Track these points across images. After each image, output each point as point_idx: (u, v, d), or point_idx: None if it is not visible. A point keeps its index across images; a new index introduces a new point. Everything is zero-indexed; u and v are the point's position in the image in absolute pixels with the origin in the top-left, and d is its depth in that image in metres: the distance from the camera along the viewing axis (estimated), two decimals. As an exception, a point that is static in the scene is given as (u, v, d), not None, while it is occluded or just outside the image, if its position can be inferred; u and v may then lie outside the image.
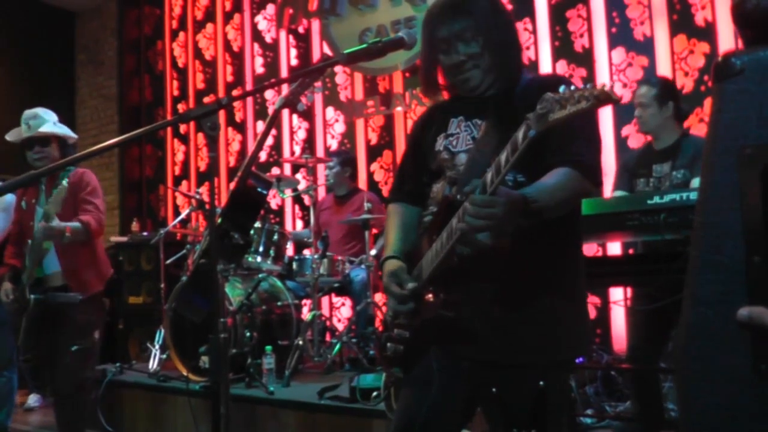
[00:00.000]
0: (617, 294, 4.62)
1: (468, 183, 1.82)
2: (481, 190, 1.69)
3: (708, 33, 5.17)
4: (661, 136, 3.91)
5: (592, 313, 5.44)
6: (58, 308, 3.92)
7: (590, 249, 5.23)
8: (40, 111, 4.19)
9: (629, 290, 4.08)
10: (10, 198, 4.85)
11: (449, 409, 2.02)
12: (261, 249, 5.39)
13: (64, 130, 4.18)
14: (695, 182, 3.66)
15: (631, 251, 4.62)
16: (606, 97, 1.48)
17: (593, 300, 5.25)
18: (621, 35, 5.61)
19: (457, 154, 2.05)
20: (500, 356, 1.93)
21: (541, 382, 1.92)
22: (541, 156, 1.83)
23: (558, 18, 5.95)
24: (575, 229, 2.09)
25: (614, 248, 5.18)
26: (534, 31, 6.03)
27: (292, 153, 7.64)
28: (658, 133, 3.93)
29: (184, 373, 4.97)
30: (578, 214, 2.09)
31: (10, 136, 4.16)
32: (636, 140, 5.24)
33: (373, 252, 5.60)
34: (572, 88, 1.52)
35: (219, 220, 1.98)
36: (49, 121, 4.11)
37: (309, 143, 7.52)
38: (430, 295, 1.95)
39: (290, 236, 5.86)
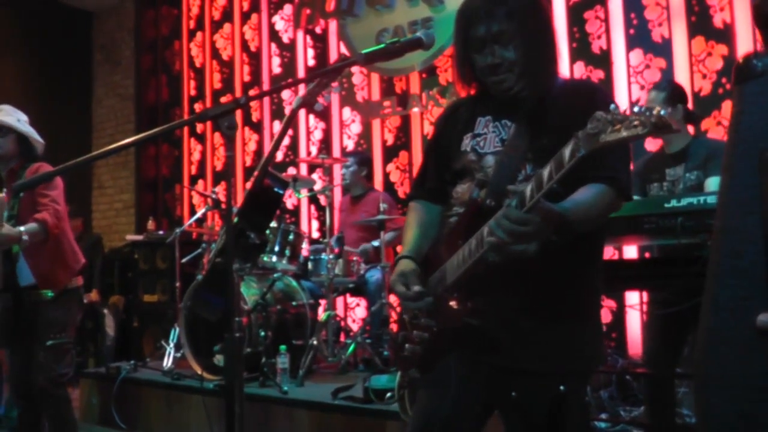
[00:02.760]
0: (633, 298, 4.60)
1: (497, 188, 1.80)
2: (519, 203, 1.67)
3: (726, 35, 5.13)
4: (673, 140, 3.88)
5: (608, 317, 5.42)
6: (30, 307, 3.88)
7: (606, 252, 5.20)
8: (7, 107, 4.17)
9: (645, 294, 4.06)
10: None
11: (467, 412, 2.00)
12: (276, 248, 5.38)
13: (26, 129, 4.10)
14: (709, 182, 3.65)
15: (647, 255, 4.59)
16: (664, 126, 1.41)
17: (609, 304, 5.22)
18: (639, 37, 5.58)
19: (485, 156, 2.01)
20: (521, 363, 1.92)
21: (562, 387, 1.90)
22: (586, 163, 1.81)
23: (576, 19, 5.92)
24: (599, 243, 2.09)
25: (630, 252, 5.15)
26: (551, 33, 6.00)
27: (309, 153, 7.64)
28: (669, 137, 3.90)
29: (199, 372, 4.98)
30: (604, 228, 2.08)
31: None
32: (653, 145, 5.21)
33: (386, 237, 5.61)
34: (624, 109, 1.46)
35: (235, 220, 1.98)
36: (12, 116, 4.07)
37: (325, 143, 7.52)
38: (454, 302, 1.92)
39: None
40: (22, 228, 3.74)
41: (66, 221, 4.04)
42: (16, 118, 4.09)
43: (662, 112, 1.39)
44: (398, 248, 6.15)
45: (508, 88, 2.00)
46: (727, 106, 5.08)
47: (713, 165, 3.69)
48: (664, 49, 5.45)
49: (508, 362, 1.93)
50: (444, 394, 1.99)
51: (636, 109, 1.44)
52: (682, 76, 5.29)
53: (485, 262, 1.79)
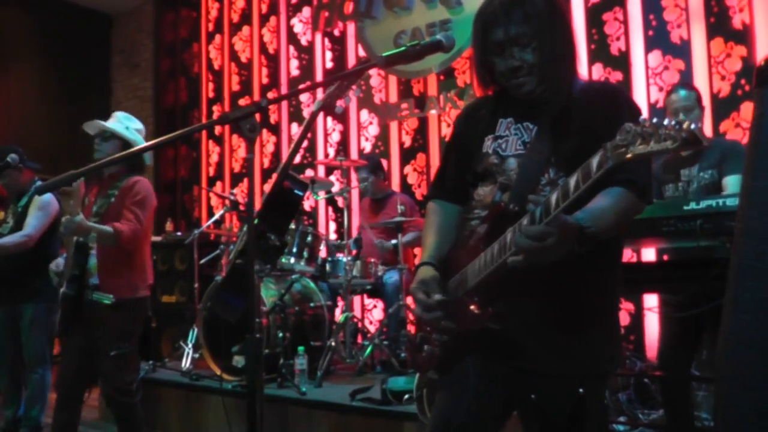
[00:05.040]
0: (651, 300, 4.58)
1: (520, 192, 1.80)
2: (543, 212, 1.66)
3: (745, 36, 5.11)
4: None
5: (626, 320, 5.40)
6: (92, 307, 3.89)
7: (625, 255, 5.18)
8: (121, 114, 4.21)
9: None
10: (47, 197, 4.93)
11: (486, 413, 2.01)
12: (295, 250, 5.40)
13: (132, 136, 4.09)
14: (728, 181, 3.64)
15: (665, 257, 4.57)
16: (695, 141, 1.38)
17: (627, 306, 5.21)
18: (658, 38, 5.56)
19: (507, 159, 2.00)
20: (541, 366, 1.92)
21: (581, 390, 1.91)
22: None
23: (594, 21, 5.91)
24: (619, 247, 2.09)
25: (649, 254, 5.13)
26: (570, 34, 5.99)
27: (326, 155, 7.66)
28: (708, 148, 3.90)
29: (217, 373, 5.00)
30: (623, 236, 2.08)
31: (85, 127, 4.16)
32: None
33: (406, 238, 5.63)
34: (655, 122, 1.43)
35: (256, 221, 1.99)
36: (122, 124, 4.10)
37: (343, 145, 7.54)
38: (474, 306, 1.92)
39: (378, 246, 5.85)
40: (95, 224, 3.79)
41: (145, 241, 4.09)
42: (125, 125, 4.11)
43: (693, 126, 1.37)
44: (416, 249, 6.20)
45: (529, 91, 1.99)
46: (745, 107, 5.05)
47: (730, 164, 3.68)
48: (683, 51, 5.43)
49: (528, 365, 1.94)
50: (463, 396, 1.99)
51: (666, 122, 1.41)
52: (700, 77, 5.27)
53: (506, 267, 1.78)
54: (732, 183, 3.62)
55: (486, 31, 1.99)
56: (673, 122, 1.40)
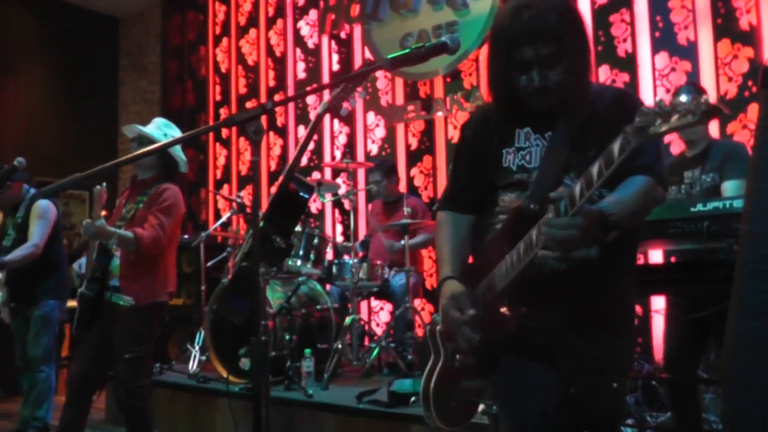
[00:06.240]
0: (659, 302, 4.56)
1: (539, 191, 1.81)
2: (569, 203, 1.66)
3: (752, 37, 5.10)
4: (698, 143, 3.88)
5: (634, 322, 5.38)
6: (111, 308, 3.90)
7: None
8: (160, 120, 4.22)
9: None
10: (45, 204, 4.98)
11: (555, 409, 1.95)
12: (301, 253, 5.41)
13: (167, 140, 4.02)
14: (726, 186, 3.65)
15: (673, 259, 4.56)
16: (715, 111, 1.39)
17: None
18: (664, 40, 5.55)
19: (533, 171, 1.99)
20: (578, 362, 1.92)
21: (615, 384, 1.94)
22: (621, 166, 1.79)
23: (601, 22, 5.90)
24: (636, 248, 2.11)
25: (656, 256, 5.11)
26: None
27: (333, 157, 7.67)
28: (698, 140, 3.89)
29: (224, 375, 5.01)
30: (638, 230, 2.09)
31: (125, 130, 4.19)
32: (678, 147, 5.18)
33: (416, 240, 5.65)
34: (672, 100, 1.45)
35: (261, 224, 1.99)
36: (161, 130, 4.09)
37: (349, 148, 7.55)
38: (505, 308, 1.91)
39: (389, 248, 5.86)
40: (115, 229, 3.80)
41: (170, 248, 4.10)
42: (163, 132, 4.10)
43: (710, 99, 1.39)
44: (424, 251, 6.19)
45: (549, 107, 1.98)
46: (752, 109, 5.04)
47: (730, 168, 3.68)
48: (689, 52, 5.42)
49: (574, 363, 1.93)
50: (529, 394, 1.97)
51: (683, 98, 1.44)
52: (707, 78, 5.26)
53: (535, 266, 1.78)
54: (730, 188, 3.62)
55: (511, 47, 1.94)
56: (690, 98, 1.42)
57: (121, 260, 3.93)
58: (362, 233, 6.67)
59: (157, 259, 3.99)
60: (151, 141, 4.03)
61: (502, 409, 2.12)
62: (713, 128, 5.19)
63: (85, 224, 3.77)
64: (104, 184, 3.82)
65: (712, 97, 5.26)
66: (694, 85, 4.09)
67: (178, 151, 4.14)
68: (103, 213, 3.80)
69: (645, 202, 1.87)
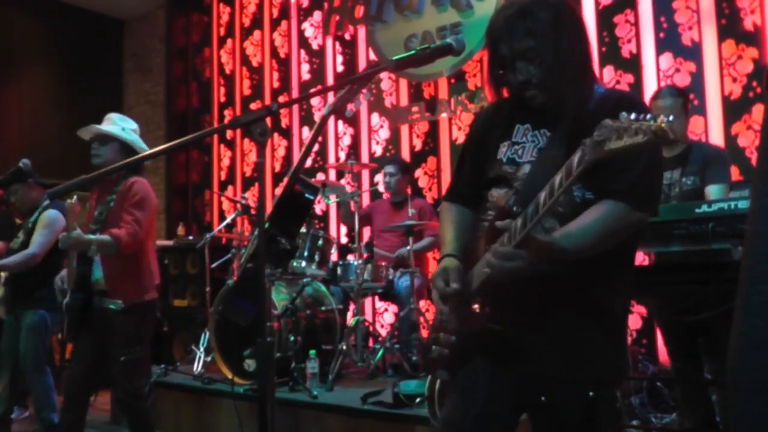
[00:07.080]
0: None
1: (527, 195, 1.81)
2: (533, 211, 1.68)
3: (757, 38, 5.10)
4: (678, 144, 3.87)
5: (638, 323, 5.38)
6: (100, 313, 3.90)
7: (637, 258, 5.15)
8: (115, 115, 4.19)
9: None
10: (53, 215, 4.99)
11: (496, 415, 2.00)
12: (306, 254, 5.41)
13: (130, 137, 4.06)
14: (709, 190, 3.67)
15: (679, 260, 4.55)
16: (663, 135, 1.40)
17: (639, 309, 5.18)
18: (669, 40, 5.55)
19: (522, 165, 1.99)
20: (550, 371, 1.91)
21: (591, 393, 1.91)
22: (608, 173, 1.78)
23: (605, 23, 5.90)
24: (630, 252, 2.07)
25: (663, 257, 5.10)
26: (581, 37, 5.98)
27: (337, 159, 7.67)
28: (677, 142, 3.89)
29: (229, 376, 5.02)
30: (635, 241, 2.06)
31: (81, 132, 4.15)
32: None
33: (423, 243, 5.65)
34: (632, 117, 1.45)
35: (266, 225, 1.99)
36: (117, 125, 4.08)
37: (354, 149, 7.56)
38: (477, 306, 1.93)
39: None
40: (92, 237, 3.77)
41: (148, 242, 4.07)
42: (121, 126, 4.09)
43: (666, 120, 1.39)
44: (433, 252, 6.19)
45: (542, 103, 1.98)
46: (757, 110, 5.04)
47: (712, 172, 3.69)
48: (694, 53, 5.41)
49: (535, 369, 1.93)
50: (472, 398, 1.99)
51: (641, 116, 1.44)
52: (712, 79, 5.26)
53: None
54: (714, 192, 3.63)
55: (495, 47, 1.99)
56: (649, 117, 1.42)
57: (103, 264, 3.92)
58: (366, 235, 6.67)
59: (138, 255, 3.97)
60: (111, 138, 4.01)
61: (446, 402, 2.16)
62: (717, 128, 5.19)
63: (62, 237, 3.74)
64: (75, 197, 3.76)
65: (716, 98, 5.26)
66: (675, 89, 4.04)
67: (139, 143, 4.10)
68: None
69: (608, 230, 1.82)
